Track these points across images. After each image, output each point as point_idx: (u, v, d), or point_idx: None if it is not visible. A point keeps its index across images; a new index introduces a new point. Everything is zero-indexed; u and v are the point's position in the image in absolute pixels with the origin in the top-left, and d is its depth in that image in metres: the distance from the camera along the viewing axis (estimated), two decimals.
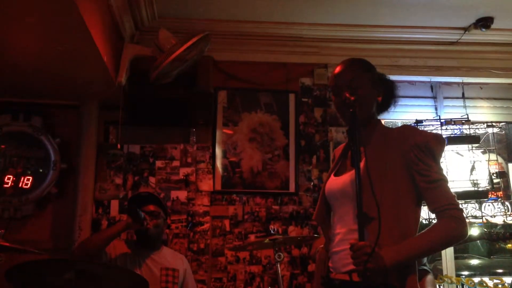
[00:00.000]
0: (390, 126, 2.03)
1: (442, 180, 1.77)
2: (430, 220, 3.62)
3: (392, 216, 1.72)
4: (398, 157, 1.80)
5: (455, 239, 1.76)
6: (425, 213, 3.60)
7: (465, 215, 1.76)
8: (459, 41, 4.24)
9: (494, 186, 4.01)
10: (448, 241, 1.78)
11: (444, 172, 1.83)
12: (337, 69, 1.95)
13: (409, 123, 4.04)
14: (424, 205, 1.85)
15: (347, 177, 1.85)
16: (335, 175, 1.98)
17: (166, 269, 3.23)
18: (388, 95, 2.01)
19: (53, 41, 2.86)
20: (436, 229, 1.75)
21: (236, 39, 4.19)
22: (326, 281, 1.92)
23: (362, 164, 1.74)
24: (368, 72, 1.95)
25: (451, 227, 1.72)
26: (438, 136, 1.84)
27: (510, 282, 4.01)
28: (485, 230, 3.78)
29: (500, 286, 4.14)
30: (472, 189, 3.94)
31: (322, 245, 2.03)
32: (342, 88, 1.89)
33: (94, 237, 3.17)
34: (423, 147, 1.77)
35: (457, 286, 4.31)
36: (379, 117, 2.02)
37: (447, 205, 1.73)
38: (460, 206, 1.76)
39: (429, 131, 1.87)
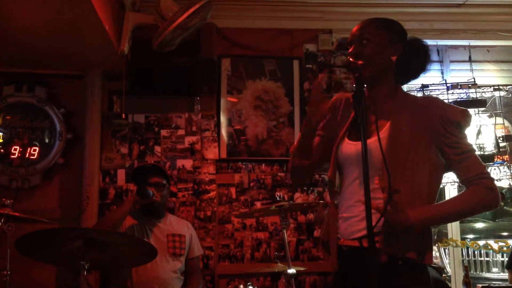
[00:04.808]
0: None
1: (471, 151, 1.78)
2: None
3: (415, 188, 1.73)
4: (423, 128, 1.78)
5: (485, 207, 1.78)
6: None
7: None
8: (465, 3, 4.16)
9: (500, 150, 3.99)
10: (477, 208, 1.79)
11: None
12: (355, 26, 1.92)
13: (415, 88, 4.00)
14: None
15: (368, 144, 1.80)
16: (350, 138, 1.91)
17: (173, 235, 3.28)
18: (416, 60, 1.92)
19: (55, 10, 2.83)
20: (466, 195, 1.76)
21: (239, 5, 4.13)
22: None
23: (386, 133, 1.73)
24: (385, 30, 1.88)
25: (483, 195, 1.73)
26: (466, 112, 1.83)
27: None
28: None
29: (505, 248, 4.19)
30: (478, 153, 3.93)
31: (329, 201, 1.98)
32: (352, 42, 1.88)
33: (107, 219, 3.17)
34: (453, 121, 1.77)
35: (462, 249, 4.35)
36: (402, 83, 1.97)
37: (479, 175, 1.73)
38: (492, 175, 1.77)
39: (455, 105, 1.83)
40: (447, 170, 1.84)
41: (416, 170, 1.74)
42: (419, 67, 1.94)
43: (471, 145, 1.80)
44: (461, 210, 1.77)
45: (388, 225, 1.66)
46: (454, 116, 1.78)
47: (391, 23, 1.93)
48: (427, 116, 1.79)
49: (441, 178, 1.85)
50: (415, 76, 1.97)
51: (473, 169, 1.75)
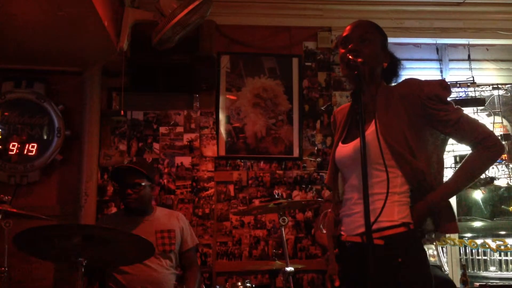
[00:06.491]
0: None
1: (462, 117, 1.80)
2: None
3: (420, 174, 1.77)
4: (411, 112, 1.81)
5: (489, 161, 1.83)
6: None
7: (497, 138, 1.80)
8: (465, 1, 4.15)
9: None
10: (485, 165, 1.85)
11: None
12: (351, 24, 1.94)
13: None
14: None
15: (357, 143, 1.82)
16: (343, 142, 1.96)
17: (161, 232, 3.16)
18: (392, 70, 2.00)
19: (54, 7, 2.82)
20: (468, 160, 1.80)
21: (239, 2, 4.13)
22: (337, 243, 1.94)
23: (373, 128, 1.74)
24: (380, 33, 1.94)
25: (487, 155, 1.77)
26: (443, 82, 1.87)
27: None
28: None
29: (502, 247, 4.19)
30: None
31: (330, 209, 2.04)
32: (352, 39, 1.89)
33: None
34: (433, 97, 1.80)
35: (460, 248, 4.36)
36: None
37: (474, 138, 1.78)
38: (487, 129, 1.81)
39: (431, 80, 1.88)
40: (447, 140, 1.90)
41: (418, 155, 1.77)
42: (393, 77, 2.02)
43: (458, 110, 1.82)
44: (469, 175, 1.81)
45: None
46: (433, 90, 1.81)
47: (382, 29, 1.98)
48: (410, 102, 1.82)
49: (442, 154, 1.90)
50: (389, 83, 2.04)
51: (469, 135, 1.79)
